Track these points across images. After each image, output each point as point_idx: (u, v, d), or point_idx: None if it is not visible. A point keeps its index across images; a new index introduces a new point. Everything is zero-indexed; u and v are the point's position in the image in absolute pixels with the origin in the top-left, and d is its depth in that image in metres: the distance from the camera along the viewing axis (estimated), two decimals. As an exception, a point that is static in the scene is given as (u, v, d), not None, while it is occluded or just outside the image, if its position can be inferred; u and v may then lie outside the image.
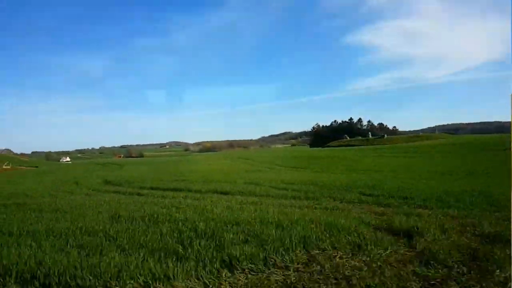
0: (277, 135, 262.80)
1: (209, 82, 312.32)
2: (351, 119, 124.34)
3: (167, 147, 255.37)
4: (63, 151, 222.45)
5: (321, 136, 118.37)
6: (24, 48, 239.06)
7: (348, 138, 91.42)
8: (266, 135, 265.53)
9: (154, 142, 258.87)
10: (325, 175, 19.47)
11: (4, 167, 58.53)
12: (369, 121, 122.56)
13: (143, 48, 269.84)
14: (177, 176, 21.09)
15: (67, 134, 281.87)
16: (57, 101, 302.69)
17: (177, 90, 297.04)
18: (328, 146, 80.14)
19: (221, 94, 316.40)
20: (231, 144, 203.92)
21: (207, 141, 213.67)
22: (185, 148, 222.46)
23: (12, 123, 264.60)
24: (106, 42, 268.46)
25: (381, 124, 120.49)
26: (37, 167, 59.57)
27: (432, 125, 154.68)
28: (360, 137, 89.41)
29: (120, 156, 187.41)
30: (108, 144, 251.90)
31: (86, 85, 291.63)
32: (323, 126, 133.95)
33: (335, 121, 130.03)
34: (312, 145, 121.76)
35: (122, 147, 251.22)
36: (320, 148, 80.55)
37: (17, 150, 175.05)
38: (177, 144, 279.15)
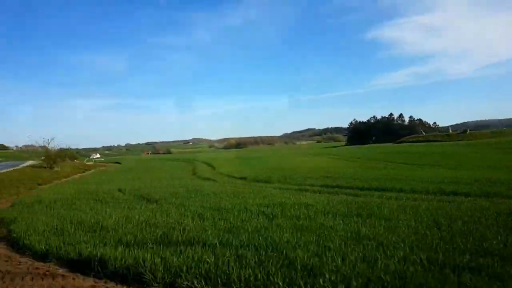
0: (300, 132, 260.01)
1: (229, 78, 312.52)
2: (391, 114, 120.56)
3: (191, 143, 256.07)
4: (90, 148, 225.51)
5: (360, 132, 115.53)
6: (48, 47, 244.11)
7: (424, 134, 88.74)
8: (289, 131, 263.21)
9: (178, 139, 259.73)
10: (477, 173, 18.14)
11: (85, 163, 59.26)
12: (411, 117, 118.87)
13: (164, 46, 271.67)
14: (320, 173, 20.08)
15: (92, 131, 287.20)
16: (81, 99, 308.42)
17: (197, 87, 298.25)
18: (401, 142, 77.78)
19: (241, 91, 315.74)
20: (256, 141, 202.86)
21: (232, 138, 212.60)
22: (210, 144, 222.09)
23: (38, 120, 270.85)
24: (128, 41, 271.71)
25: (419, 120, 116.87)
26: (119, 163, 59.58)
27: (460, 121, 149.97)
28: (438, 133, 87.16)
29: (148, 153, 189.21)
30: (132, 141, 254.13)
31: (109, 83, 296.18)
32: (359, 122, 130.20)
33: (373, 116, 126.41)
34: (350, 141, 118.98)
35: (147, 144, 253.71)
36: (391, 143, 78.33)
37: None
38: (200, 141, 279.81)
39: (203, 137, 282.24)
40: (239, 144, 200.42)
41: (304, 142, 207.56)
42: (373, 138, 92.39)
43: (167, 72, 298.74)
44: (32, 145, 50.02)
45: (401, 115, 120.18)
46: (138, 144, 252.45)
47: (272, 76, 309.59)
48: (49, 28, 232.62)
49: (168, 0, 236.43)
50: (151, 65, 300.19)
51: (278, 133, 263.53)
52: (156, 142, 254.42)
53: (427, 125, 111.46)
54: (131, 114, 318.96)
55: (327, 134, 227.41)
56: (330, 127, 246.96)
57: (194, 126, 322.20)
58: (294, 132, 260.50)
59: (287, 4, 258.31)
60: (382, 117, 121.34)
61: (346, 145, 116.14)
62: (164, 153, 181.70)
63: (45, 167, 34.30)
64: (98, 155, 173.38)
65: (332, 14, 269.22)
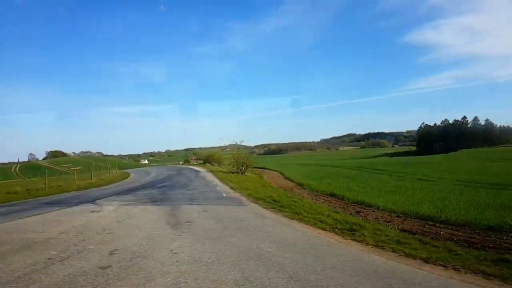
0: (339, 137, 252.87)
1: (263, 84, 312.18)
2: (464, 117, 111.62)
3: (228, 150, 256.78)
4: (134, 154, 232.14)
5: (428, 138, 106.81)
6: (94, 56, 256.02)
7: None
8: (327, 137, 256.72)
9: (214, 145, 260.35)
10: None
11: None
12: (487, 120, 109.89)
13: (201, 55, 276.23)
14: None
15: (131, 138, 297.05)
16: (123, 106, 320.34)
17: (233, 94, 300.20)
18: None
19: (277, 96, 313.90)
20: (297, 146, 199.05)
21: (272, 143, 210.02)
22: (251, 151, 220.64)
23: (87, 127, 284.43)
24: (167, 49, 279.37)
25: (487, 121, 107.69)
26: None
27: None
28: None
29: (193, 159, 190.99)
30: (172, 148, 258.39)
31: (149, 91, 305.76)
32: (427, 125, 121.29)
33: (445, 120, 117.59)
34: (419, 147, 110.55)
35: (186, 150, 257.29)
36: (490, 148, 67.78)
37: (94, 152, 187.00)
38: (237, 146, 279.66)
39: (237, 143, 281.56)
40: (280, 149, 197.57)
41: (347, 148, 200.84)
42: (441, 143, 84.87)
43: (204, 80, 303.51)
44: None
45: (475, 118, 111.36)
46: (177, 150, 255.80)
47: (307, 82, 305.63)
48: (89, 38, 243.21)
49: (205, 10, 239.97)
50: (188, 73, 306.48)
51: (315, 138, 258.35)
52: (193, 148, 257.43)
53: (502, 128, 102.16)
54: (168, 120, 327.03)
55: (369, 140, 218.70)
56: (371, 132, 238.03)
57: (228, 132, 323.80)
58: (333, 138, 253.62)
59: (323, 10, 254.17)
60: (454, 120, 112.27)
61: (416, 151, 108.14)
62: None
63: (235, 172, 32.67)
64: (146, 161, 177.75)
65: (370, 19, 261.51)
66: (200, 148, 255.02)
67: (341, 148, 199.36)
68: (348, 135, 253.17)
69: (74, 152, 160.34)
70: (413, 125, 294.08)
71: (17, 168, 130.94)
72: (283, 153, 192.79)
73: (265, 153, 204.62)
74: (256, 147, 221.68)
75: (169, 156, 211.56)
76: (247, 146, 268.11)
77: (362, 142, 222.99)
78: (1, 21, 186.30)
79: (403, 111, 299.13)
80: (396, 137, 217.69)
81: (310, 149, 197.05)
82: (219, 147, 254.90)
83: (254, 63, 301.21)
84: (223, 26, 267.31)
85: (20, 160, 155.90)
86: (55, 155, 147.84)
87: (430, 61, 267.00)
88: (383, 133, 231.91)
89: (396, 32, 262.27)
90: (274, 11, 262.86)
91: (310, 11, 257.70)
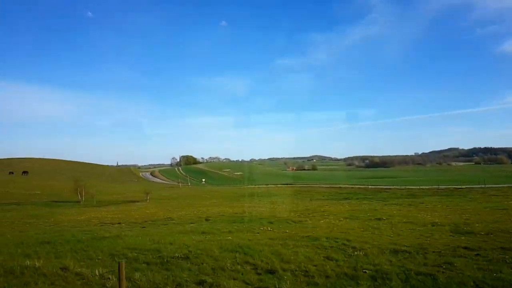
0: (439, 151, 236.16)
1: (349, 96, 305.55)
2: None
3: (314, 160, 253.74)
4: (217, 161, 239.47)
5: None
6: (181, 72, 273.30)
7: None
8: (425, 151, 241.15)
9: (295, 156, 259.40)
10: None
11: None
12: None
13: (284, 68, 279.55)
14: None
15: (217, 146, 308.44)
16: (207, 118, 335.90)
17: (317, 106, 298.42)
18: None
19: (363, 107, 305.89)
20: (405, 160, 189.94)
21: (374, 156, 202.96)
22: (349, 163, 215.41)
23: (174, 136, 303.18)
24: (250, 64, 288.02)
25: None
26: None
27: None
28: None
29: (293, 169, 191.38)
30: (256, 157, 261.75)
31: (232, 104, 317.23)
32: None
33: None
34: None
35: (270, 159, 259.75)
36: None
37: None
38: (320, 158, 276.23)
39: (322, 154, 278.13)
40: (385, 163, 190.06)
41: (459, 164, 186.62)
42: None
43: (286, 92, 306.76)
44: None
45: None
46: (261, 159, 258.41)
47: (394, 94, 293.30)
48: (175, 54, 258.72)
49: (289, 23, 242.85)
50: (269, 86, 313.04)
51: (407, 152, 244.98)
52: (278, 158, 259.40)
53: None
54: (252, 131, 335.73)
55: (479, 155, 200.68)
56: (478, 147, 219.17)
57: (308, 143, 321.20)
58: (432, 152, 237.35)
59: (411, 19, 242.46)
60: None
61: None
62: (309, 169, 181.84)
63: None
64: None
65: (465, 28, 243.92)
66: (282, 158, 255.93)
67: (453, 164, 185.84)
68: (450, 149, 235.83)
69: (202, 158, 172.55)
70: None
71: (181, 170, 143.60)
72: (388, 167, 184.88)
73: (367, 166, 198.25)
74: (357, 159, 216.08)
75: (259, 165, 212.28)
76: (331, 157, 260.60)
77: (472, 158, 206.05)
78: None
79: (504, 126, 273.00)
80: (508, 153, 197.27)
81: (419, 163, 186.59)
82: (300, 158, 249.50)
83: (336, 74, 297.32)
84: (306, 38, 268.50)
85: (163, 163, 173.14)
86: (188, 160, 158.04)
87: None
88: (492, 148, 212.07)
89: (495, 40, 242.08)
90: (360, 21, 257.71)
91: (397, 21, 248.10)
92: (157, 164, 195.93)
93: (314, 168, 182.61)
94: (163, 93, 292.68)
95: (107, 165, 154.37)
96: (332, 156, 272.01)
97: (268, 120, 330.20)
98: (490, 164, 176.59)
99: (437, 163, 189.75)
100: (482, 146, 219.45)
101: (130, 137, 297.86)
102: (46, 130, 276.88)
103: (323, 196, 38.21)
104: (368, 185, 55.01)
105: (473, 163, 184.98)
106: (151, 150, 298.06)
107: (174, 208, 28.20)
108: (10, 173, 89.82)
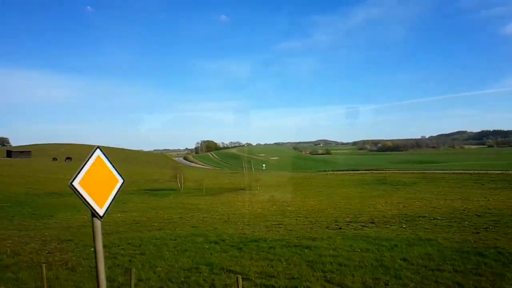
0: (448, 134, 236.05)
1: (351, 79, 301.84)
2: None
3: (321, 145, 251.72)
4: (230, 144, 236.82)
5: None
6: (183, 55, 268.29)
7: None
8: (433, 134, 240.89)
9: (303, 140, 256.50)
10: None
11: None
12: None
13: (286, 51, 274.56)
14: None
15: (219, 131, 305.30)
16: (211, 102, 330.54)
17: (316, 89, 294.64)
18: None
19: (368, 91, 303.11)
20: (418, 143, 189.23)
21: (387, 140, 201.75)
22: (360, 147, 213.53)
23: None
24: (253, 47, 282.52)
25: None
26: None
27: None
28: None
29: (307, 152, 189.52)
30: (261, 142, 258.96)
31: (235, 87, 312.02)
32: None
33: None
34: None
35: (276, 144, 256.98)
36: None
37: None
38: (328, 142, 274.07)
39: (330, 139, 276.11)
40: (398, 146, 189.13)
41: (473, 147, 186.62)
42: None
43: (288, 75, 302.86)
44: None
45: None
46: (267, 144, 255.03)
47: (396, 75, 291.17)
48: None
49: (289, 6, 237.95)
50: (271, 69, 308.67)
51: (413, 135, 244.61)
52: (284, 143, 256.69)
53: None
54: (254, 116, 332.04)
55: (489, 138, 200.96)
56: (488, 129, 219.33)
57: (313, 128, 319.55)
58: (441, 135, 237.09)
59: (412, 1, 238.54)
60: None
61: None
62: (323, 154, 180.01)
63: None
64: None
65: (470, 9, 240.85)
66: (289, 142, 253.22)
67: (466, 147, 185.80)
68: (459, 132, 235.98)
69: (223, 143, 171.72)
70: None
71: (214, 155, 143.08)
72: (401, 150, 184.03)
73: (379, 150, 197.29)
74: (369, 143, 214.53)
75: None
76: (337, 142, 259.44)
77: (482, 140, 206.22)
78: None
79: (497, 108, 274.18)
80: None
81: (433, 147, 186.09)
82: (309, 142, 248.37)
83: (338, 56, 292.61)
84: (309, 21, 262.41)
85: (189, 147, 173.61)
86: (209, 145, 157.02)
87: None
88: (501, 131, 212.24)
89: (499, 22, 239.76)
90: (363, 2, 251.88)
91: (401, 2, 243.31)
92: (174, 150, 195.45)
93: (328, 153, 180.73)
94: (165, 78, 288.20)
95: (149, 151, 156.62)
96: (338, 141, 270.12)
97: (272, 104, 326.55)
98: (503, 146, 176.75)
99: (449, 146, 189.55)
100: (491, 129, 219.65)
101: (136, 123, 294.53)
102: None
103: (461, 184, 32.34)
104: (449, 170, 49.71)
105: (486, 145, 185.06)
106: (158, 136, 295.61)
107: (331, 199, 23.53)
108: (53, 159, 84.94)
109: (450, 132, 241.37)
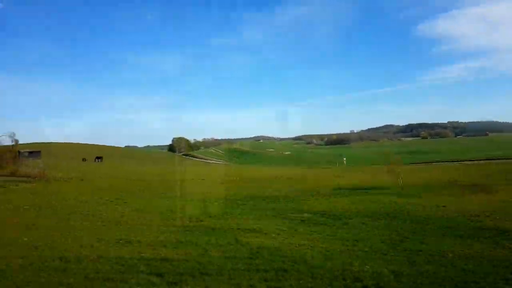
0: (376, 128, 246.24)
1: (283, 76, 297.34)
2: None
3: (261, 141, 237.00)
4: (156, 146, 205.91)
5: None
6: (107, 48, 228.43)
7: None
8: (362, 128, 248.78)
9: (239, 137, 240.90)
10: None
11: None
12: None
13: (216, 47, 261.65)
14: None
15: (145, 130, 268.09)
16: (130, 99, 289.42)
17: (250, 86, 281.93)
18: None
19: (298, 87, 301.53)
20: (360, 137, 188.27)
21: (333, 134, 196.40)
22: (308, 141, 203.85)
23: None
24: (184, 42, 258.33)
25: None
26: None
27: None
28: None
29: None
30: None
31: (163, 83, 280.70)
32: None
33: None
34: None
35: (212, 139, 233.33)
36: None
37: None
38: (267, 138, 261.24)
39: (268, 135, 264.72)
40: (342, 140, 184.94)
41: (409, 139, 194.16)
42: None
43: (220, 72, 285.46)
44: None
45: None
46: (205, 139, 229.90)
47: (321, 72, 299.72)
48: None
49: (219, 1, 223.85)
50: (204, 65, 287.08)
51: (345, 130, 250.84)
52: (220, 140, 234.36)
53: None
54: (184, 113, 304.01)
55: (421, 130, 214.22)
56: (413, 123, 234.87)
57: (252, 124, 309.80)
58: (370, 129, 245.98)
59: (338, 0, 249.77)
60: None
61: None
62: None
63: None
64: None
65: (388, 10, 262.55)
66: (225, 139, 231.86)
67: (404, 139, 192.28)
68: (386, 126, 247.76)
69: (195, 139, 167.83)
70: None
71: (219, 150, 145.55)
72: (345, 144, 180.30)
73: (326, 144, 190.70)
74: (315, 137, 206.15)
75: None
76: (281, 138, 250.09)
77: (411, 133, 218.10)
78: None
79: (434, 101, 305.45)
80: (443, 128, 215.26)
81: (374, 140, 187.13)
82: (246, 138, 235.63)
83: (269, 55, 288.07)
84: (239, 17, 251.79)
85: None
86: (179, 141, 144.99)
87: (443, 52, 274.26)
88: (426, 124, 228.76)
89: (411, 23, 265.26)
90: (289, 1, 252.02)
91: (325, 1, 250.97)
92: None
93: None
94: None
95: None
96: (275, 136, 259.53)
97: (203, 101, 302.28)
98: (435, 138, 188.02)
99: (388, 139, 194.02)
100: (415, 122, 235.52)
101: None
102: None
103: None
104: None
105: (420, 137, 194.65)
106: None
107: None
108: (83, 159, 79.39)
109: (377, 126, 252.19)
